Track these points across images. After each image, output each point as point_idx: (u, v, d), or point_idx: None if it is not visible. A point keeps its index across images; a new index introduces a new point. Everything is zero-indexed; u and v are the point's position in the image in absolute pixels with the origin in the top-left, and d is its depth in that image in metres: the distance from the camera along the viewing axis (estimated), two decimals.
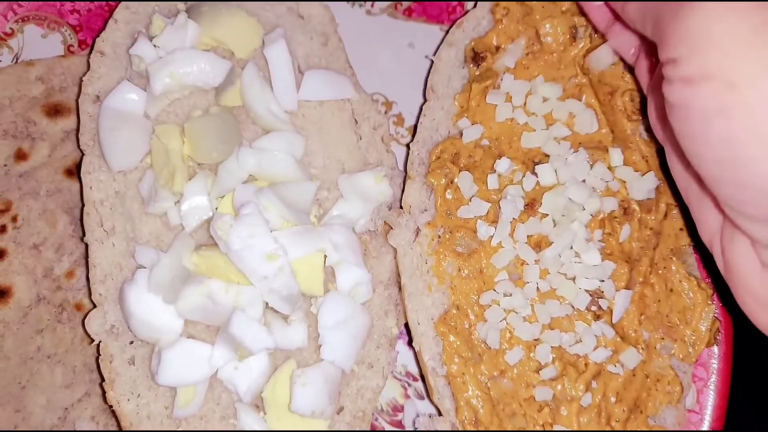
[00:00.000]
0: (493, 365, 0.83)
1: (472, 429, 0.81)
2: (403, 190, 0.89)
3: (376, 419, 0.94)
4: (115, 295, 0.85)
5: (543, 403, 0.83)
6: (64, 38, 0.97)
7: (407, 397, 0.95)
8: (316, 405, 0.80)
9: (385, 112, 1.01)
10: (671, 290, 0.90)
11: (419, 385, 0.95)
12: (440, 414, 0.84)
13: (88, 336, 0.86)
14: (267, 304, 0.82)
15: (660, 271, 0.90)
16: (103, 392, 0.85)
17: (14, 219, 0.95)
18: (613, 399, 0.85)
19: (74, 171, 0.96)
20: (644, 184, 0.88)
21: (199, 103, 0.89)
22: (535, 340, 0.84)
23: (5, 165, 0.96)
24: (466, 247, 0.85)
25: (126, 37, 0.88)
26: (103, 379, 0.84)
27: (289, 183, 0.84)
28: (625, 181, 0.89)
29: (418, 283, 0.84)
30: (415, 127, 0.93)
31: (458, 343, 0.82)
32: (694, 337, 0.89)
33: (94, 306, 0.85)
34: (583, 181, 0.88)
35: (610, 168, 0.89)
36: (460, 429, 0.82)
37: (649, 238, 0.90)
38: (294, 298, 0.81)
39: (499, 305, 0.83)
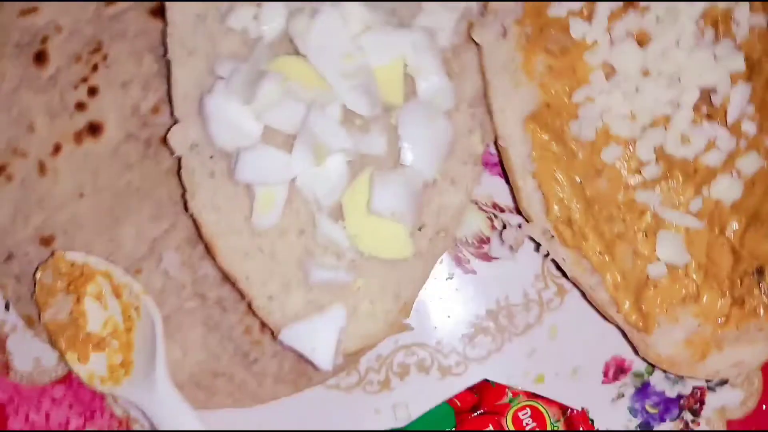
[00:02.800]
0: (589, 163, 0.76)
1: (566, 230, 0.75)
2: None
3: (461, 251, 0.90)
4: (197, 112, 0.85)
5: (644, 207, 0.76)
6: None
7: (494, 228, 0.90)
8: (395, 206, 0.76)
9: None
10: None
11: (506, 216, 0.90)
12: (528, 222, 0.79)
13: (172, 156, 0.88)
14: (345, 110, 0.80)
15: None
16: (186, 206, 0.86)
17: (104, 58, 0.98)
18: (728, 208, 0.76)
19: (158, 12, 0.98)
20: None
21: None
22: (635, 138, 0.77)
23: (97, 9, 0.99)
24: (559, 43, 0.79)
25: None
26: (185, 191, 0.85)
27: None
28: None
29: (504, 80, 0.79)
30: None
31: (549, 139, 0.77)
32: None
33: (176, 122, 0.86)
34: None
35: None
36: (552, 232, 0.76)
37: None
38: (374, 97, 0.78)
39: (594, 102, 0.77)
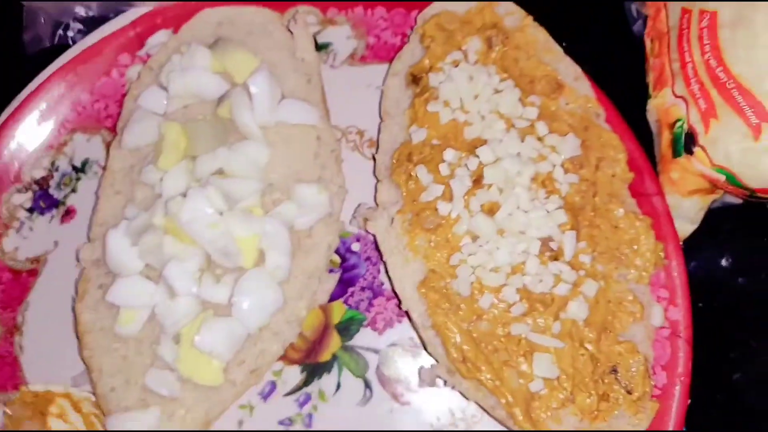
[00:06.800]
0: (471, 312, 0.99)
1: (463, 367, 0.97)
2: (375, 193, 1.10)
3: (396, 388, 1.10)
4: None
5: (519, 337, 0.99)
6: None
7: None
8: (213, 347, 0.99)
9: (361, 138, 1.23)
10: (616, 227, 1.06)
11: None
12: (438, 362, 1.01)
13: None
14: (209, 264, 1.03)
15: (603, 214, 1.07)
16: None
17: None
18: (582, 325, 1.00)
19: None
20: (568, 144, 1.07)
21: (205, 110, 1.12)
22: (502, 285, 1.01)
23: None
24: (432, 223, 1.04)
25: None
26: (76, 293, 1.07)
27: (237, 178, 1.05)
28: (554, 147, 1.08)
29: (397, 259, 1.03)
30: (378, 143, 1.15)
31: (438, 298, 1.00)
32: (642, 261, 1.04)
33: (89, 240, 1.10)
34: (518, 153, 1.07)
35: (539, 138, 1.08)
36: (453, 370, 0.98)
37: (588, 188, 1.07)
38: (233, 254, 1.02)
39: (466, 263, 1.01)
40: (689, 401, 1.04)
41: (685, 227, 1.17)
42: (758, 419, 1.14)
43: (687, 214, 1.16)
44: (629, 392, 0.97)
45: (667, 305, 1.07)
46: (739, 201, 1.17)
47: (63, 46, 1.24)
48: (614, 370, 0.98)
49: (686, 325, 1.06)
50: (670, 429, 1.01)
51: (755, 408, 1.14)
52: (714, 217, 1.18)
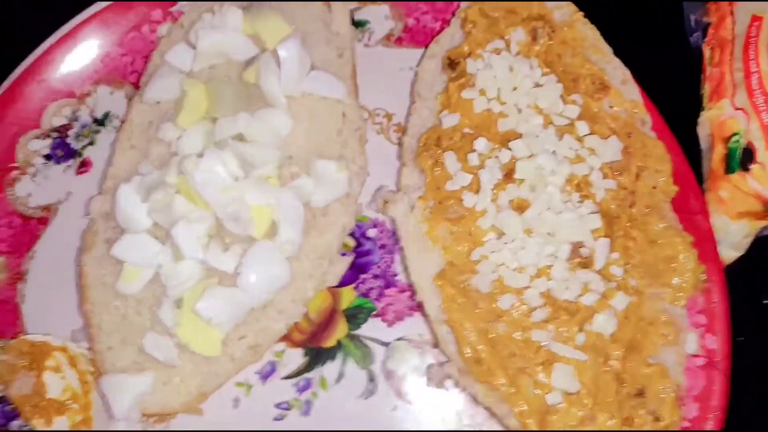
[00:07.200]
0: (489, 311, 0.92)
1: (476, 368, 0.89)
2: (399, 176, 1.04)
3: (400, 385, 1.03)
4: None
5: (538, 344, 0.91)
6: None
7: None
8: (214, 315, 0.94)
9: (388, 121, 1.17)
10: (653, 241, 0.98)
11: (436, 351, 1.04)
12: (449, 360, 0.93)
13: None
14: (219, 230, 0.98)
15: (640, 226, 0.99)
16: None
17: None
18: (608, 339, 0.92)
19: None
20: (609, 148, 1.00)
21: (231, 72, 1.07)
22: (525, 287, 0.93)
23: None
24: (456, 213, 0.97)
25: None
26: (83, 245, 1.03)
27: (255, 144, 1.00)
28: (594, 149, 1.01)
29: (414, 246, 0.96)
30: (406, 125, 1.09)
31: (454, 293, 0.93)
32: (680, 281, 0.95)
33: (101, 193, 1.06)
34: (554, 152, 1.00)
35: (578, 139, 1.01)
36: (465, 370, 0.91)
37: (625, 197, 1.00)
38: (244, 220, 0.96)
39: (488, 259, 0.94)
40: None
41: (729, 253, 1.08)
42: None
43: (732, 239, 1.07)
44: (657, 419, 0.88)
45: (703, 332, 0.98)
46: None
47: None
48: (641, 393, 0.89)
49: (724, 355, 0.97)
50: None
51: None
52: (762, 245, 1.09)
